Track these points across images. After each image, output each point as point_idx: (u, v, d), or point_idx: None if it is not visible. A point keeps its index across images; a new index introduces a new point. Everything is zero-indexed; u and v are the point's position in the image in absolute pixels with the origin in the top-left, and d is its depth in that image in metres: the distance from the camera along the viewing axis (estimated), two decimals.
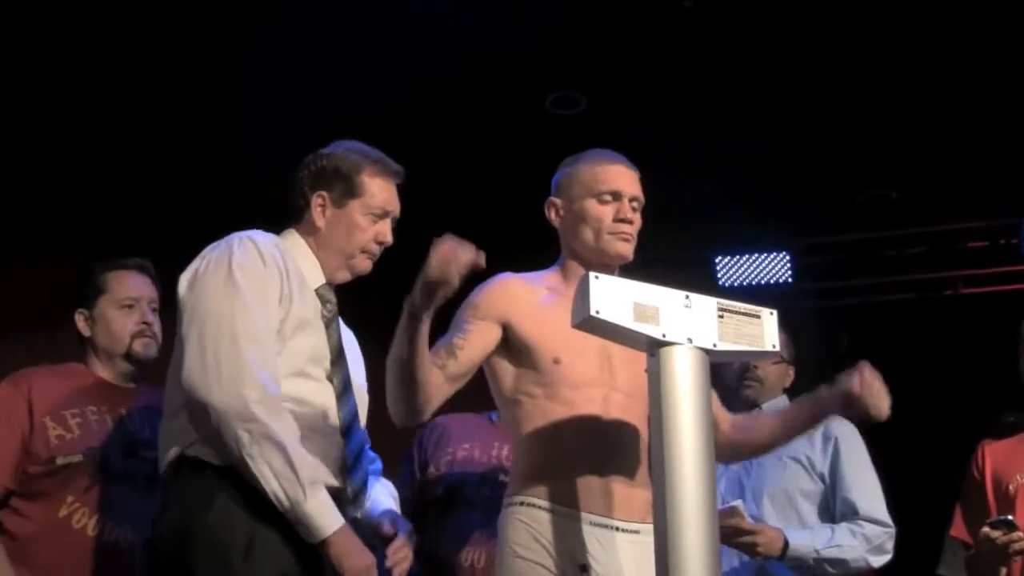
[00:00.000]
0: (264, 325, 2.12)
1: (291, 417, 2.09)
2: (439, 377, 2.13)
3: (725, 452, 2.35)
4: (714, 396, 2.11)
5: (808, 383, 3.00)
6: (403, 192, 2.29)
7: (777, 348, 1.95)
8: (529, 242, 2.49)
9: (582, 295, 1.86)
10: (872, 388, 2.13)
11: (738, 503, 2.65)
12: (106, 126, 3.74)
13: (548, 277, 2.36)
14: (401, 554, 2.17)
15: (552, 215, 2.39)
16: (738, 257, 4.90)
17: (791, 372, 3.10)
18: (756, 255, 4.89)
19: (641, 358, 1.89)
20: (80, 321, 2.69)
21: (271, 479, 2.01)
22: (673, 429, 1.79)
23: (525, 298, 2.27)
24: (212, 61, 3.48)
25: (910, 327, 4.71)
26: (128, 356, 2.63)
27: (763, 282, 4.78)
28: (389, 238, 2.35)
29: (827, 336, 3.10)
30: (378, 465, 2.39)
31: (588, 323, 1.85)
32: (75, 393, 2.56)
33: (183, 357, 2.07)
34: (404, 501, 2.99)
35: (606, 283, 1.86)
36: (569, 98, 3.88)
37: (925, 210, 4.59)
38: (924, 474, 3.34)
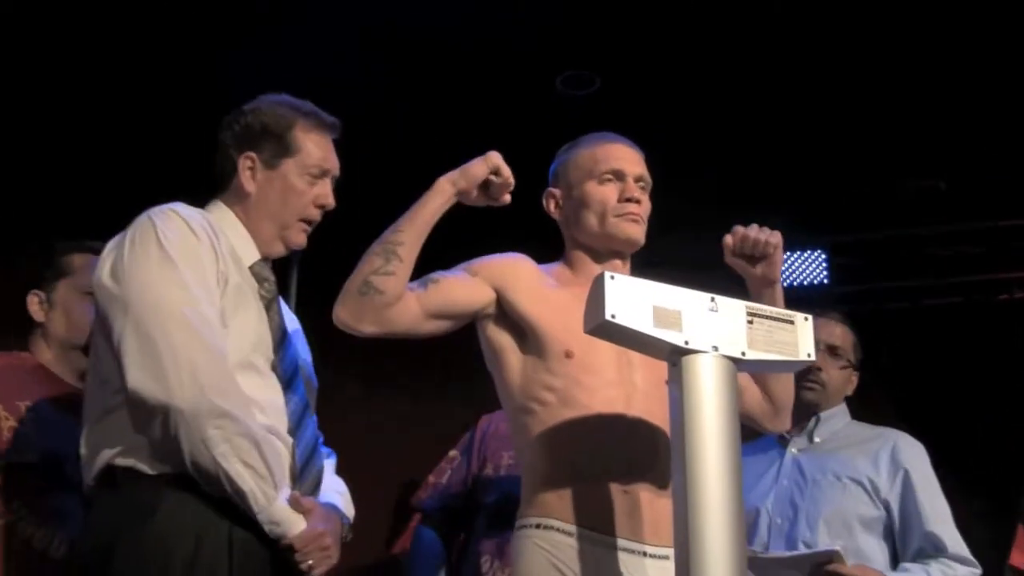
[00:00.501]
0: (212, 306, 2.07)
1: (254, 408, 2.05)
2: (413, 299, 2.15)
3: (769, 414, 2.39)
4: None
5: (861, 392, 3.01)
6: (406, 181, 2.28)
7: (813, 357, 1.94)
8: (538, 233, 2.50)
9: (596, 297, 1.85)
10: (742, 235, 2.20)
11: (838, 547, 2.62)
12: (90, 122, 3.82)
13: (553, 270, 2.37)
14: (313, 545, 2.06)
15: (551, 207, 2.41)
16: None
17: (855, 378, 3.07)
18: (788, 254, 4.83)
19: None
20: (33, 303, 2.59)
21: (247, 478, 1.97)
22: (697, 448, 1.77)
23: (529, 276, 2.29)
24: (207, 58, 3.62)
25: (959, 334, 4.66)
26: (86, 350, 2.51)
27: (796, 283, 4.74)
28: (330, 200, 2.29)
29: (865, 343, 3.11)
30: (332, 460, 2.35)
31: (603, 328, 1.85)
32: (29, 384, 2.48)
33: (123, 357, 1.98)
34: (454, 496, 3.03)
35: (623, 284, 1.85)
36: (581, 77, 3.91)
37: (978, 203, 4.53)
38: (978, 496, 3.31)
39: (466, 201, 2.22)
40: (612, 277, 1.85)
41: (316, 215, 2.28)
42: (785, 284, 4.69)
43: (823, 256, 4.82)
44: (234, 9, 3.41)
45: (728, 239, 2.23)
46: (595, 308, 1.84)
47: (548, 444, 2.20)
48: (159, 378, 1.95)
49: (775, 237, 2.23)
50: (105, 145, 3.89)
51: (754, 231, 2.22)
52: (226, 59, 3.54)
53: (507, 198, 2.23)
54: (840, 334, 3.05)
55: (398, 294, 2.13)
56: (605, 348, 2.14)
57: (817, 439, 2.97)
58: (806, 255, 4.82)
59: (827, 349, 3.01)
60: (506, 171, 2.21)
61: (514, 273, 2.28)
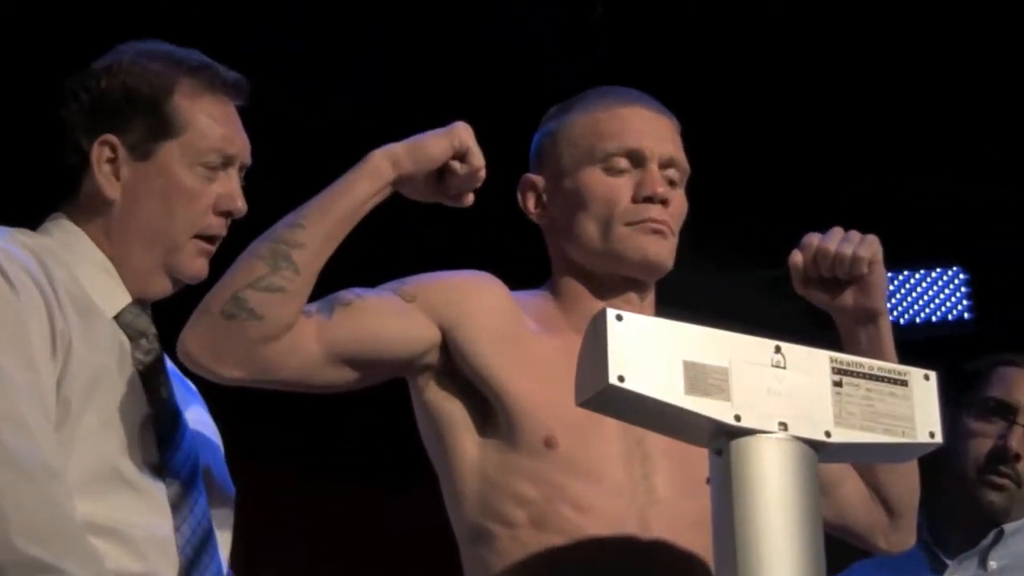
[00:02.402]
0: (32, 395, 1.96)
1: (98, 550, 1.95)
2: (310, 331, 2.05)
3: (881, 524, 2.30)
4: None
5: None
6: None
7: (938, 439, 1.82)
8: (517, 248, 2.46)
9: (593, 349, 1.72)
10: (816, 248, 2.14)
11: None
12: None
13: (534, 304, 2.26)
14: None
15: (530, 204, 2.30)
16: None
17: None
18: (906, 273, 4.78)
19: (695, 450, 1.78)
20: None
21: None
22: None
23: (496, 310, 2.19)
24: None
25: None
26: None
27: (922, 319, 4.70)
28: (240, 202, 2.17)
29: None
30: None
31: (605, 398, 1.71)
32: None
33: None
34: None
35: (636, 327, 1.72)
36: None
37: None
38: None
39: (409, 193, 2.11)
40: (619, 317, 1.71)
41: (219, 227, 2.16)
42: (905, 320, 4.81)
43: (960, 277, 4.77)
44: (231, 9, 3.88)
45: (796, 256, 2.13)
46: (592, 366, 1.72)
47: None
48: None
49: (867, 248, 2.12)
50: None
51: (834, 240, 2.11)
52: (223, 59, 3.99)
53: (470, 198, 2.11)
54: None
55: (287, 322, 2.00)
56: (608, 433, 2.07)
57: (994, 564, 2.85)
58: (934, 276, 4.74)
59: None
60: (477, 158, 2.08)
61: (475, 305, 2.16)
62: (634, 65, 4.01)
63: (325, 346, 2.05)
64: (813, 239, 2.12)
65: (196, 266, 2.15)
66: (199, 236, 2.15)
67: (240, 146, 2.19)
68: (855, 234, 2.11)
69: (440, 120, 4.22)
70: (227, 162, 2.17)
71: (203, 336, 1.99)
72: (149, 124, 2.13)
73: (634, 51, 4.10)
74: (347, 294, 2.10)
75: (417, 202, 2.15)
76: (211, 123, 2.16)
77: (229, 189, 2.16)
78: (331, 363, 2.07)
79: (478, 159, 2.08)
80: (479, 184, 2.11)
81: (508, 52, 4.10)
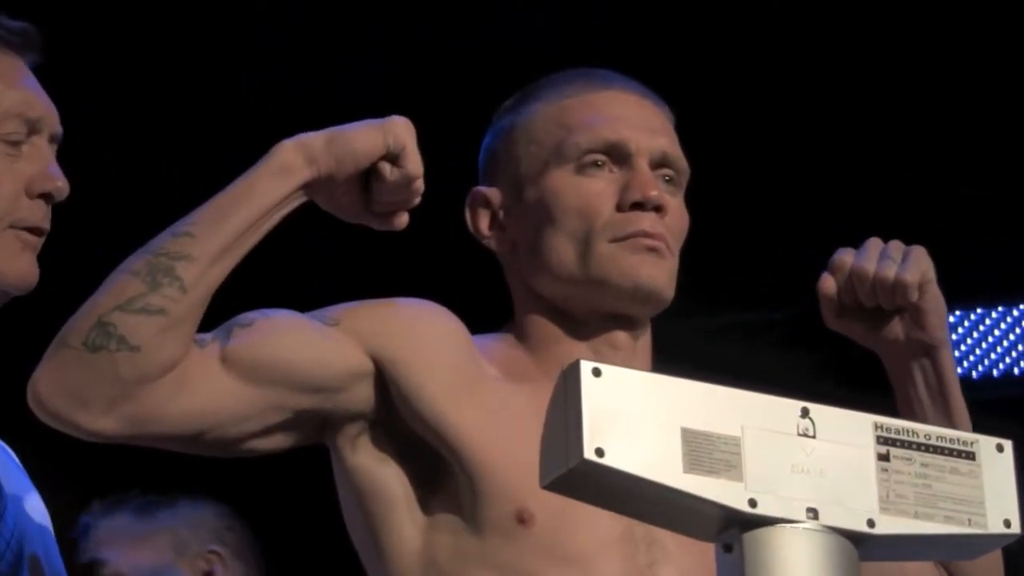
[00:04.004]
0: None
1: None
2: (212, 365, 1.93)
3: None
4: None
5: None
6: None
7: (1016, 528, 1.71)
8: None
9: (563, 414, 1.62)
10: (852, 270, 2.07)
11: None
12: None
13: (494, 346, 2.16)
14: None
15: (483, 224, 2.19)
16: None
17: None
18: (984, 312, 4.77)
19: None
20: None
21: None
22: None
23: (457, 349, 2.08)
24: (202, 59, 4.47)
25: None
26: None
27: (1000, 371, 4.71)
28: (60, 181, 2.05)
29: None
30: None
31: (579, 476, 1.60)
32: None
33: None
34: None
35: (618, 384, 1.61)
36: None
37: None
38: None
39: (327, 203, 1.99)
40: (597, 371, 1.59)
41: (39, 216, 2.06)
42: (973, 373, 4.70)
43: None
44: (232, 9, 4.36)
45: (827, 281, 2.07)
46: (561, 436, 1.60)
47: None
48: None
49: (914, 269, 2.04)
50: None
51: (872, 258, 2.04)
52: (225, 59, 4.46)
53: (403, 219, 1.98)
54: None
55: (171, 354, 1.86)
56: (596, 514, 1.83)
57: None
58: (1016, 315, 4.75)
59: None
60: (414, 163, 1.94)
61: (423, 336, 2.04)
62: (634, 66, 4.31)
63: (223, 384, 1.93)
64: (846, 258, 2.05)
65: (21, 264, 2.06)
66: (18, 226, 2.05)
67: (44, 109, 2.09)
68: (896, 247, 2.04)
69: (440, 121, 4.54)
70: (32, 130, 2.08)
71: (60, 376, 1.85)
72: None
73: (634, 51, 4.46)
74: (248, 314, 1.99)
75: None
76: (3, 88, 2.07)
77: (41, 165, 2.06)
78: (231, 407, 1.94)
79: (415, 165, 1.94)
80: (415, 200, 1.98)
81: (508, 52, 4.49)
